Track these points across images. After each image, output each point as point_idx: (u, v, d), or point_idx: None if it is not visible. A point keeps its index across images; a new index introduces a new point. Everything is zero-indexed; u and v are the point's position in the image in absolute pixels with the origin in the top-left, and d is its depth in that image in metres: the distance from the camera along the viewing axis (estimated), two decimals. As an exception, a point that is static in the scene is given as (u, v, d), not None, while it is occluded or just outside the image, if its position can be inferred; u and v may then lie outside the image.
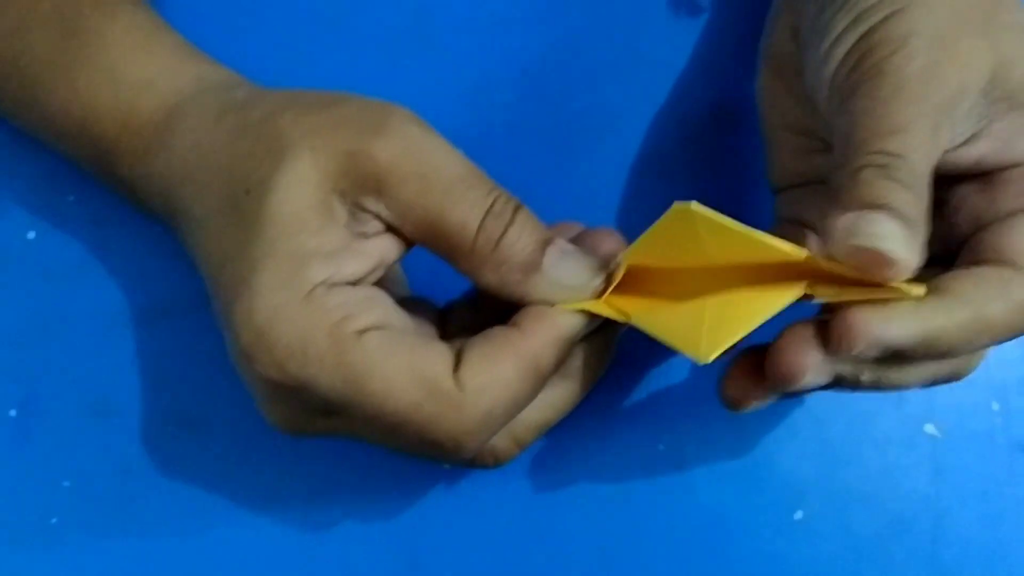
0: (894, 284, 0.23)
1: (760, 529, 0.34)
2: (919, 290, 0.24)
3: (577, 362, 0.28)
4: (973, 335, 0.24)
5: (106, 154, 0.30)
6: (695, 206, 0.23)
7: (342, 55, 0.37)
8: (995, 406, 0.35)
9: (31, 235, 0.35)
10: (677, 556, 0.34)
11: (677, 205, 0.24)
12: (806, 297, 0.24)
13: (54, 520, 0.33)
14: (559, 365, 0.26)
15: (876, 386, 0.27)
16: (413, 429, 0.24)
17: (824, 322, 0.24)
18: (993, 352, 0.35)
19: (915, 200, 0.23)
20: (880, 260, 0.22)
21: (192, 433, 0.34)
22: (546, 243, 0.26)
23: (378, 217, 0.26)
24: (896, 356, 0.24)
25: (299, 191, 0.25)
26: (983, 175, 0.27)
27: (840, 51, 0.26)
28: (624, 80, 0.37)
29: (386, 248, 0.27)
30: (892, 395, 0.35)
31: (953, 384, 0.34)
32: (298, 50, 0.37)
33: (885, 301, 0.23)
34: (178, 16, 0.33)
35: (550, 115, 0.36)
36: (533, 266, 0.26)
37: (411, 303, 0.29)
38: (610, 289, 0.27)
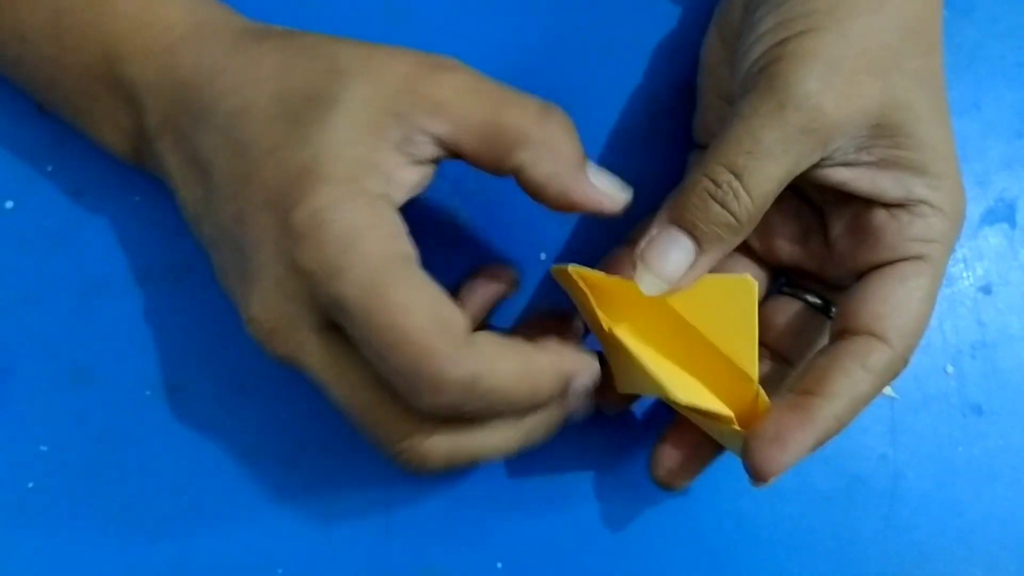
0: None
1: (722, 487, 0.35)
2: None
3: (532, 420, 0.29)
4: (852, 415, 0.28)
5: (113, 53, 0.29)
6: (572, 268, 0.29)
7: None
8: (949, 369, 0.36)
9: (9, 204, 0.35)
10: (645, 514, 0.35)
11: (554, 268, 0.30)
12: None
13: (31, 484, 0.34)
14: (549, 399, 0.27)
15: None
16: (409, 353, 0.24)
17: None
18: (947, 319, 0.36)
19: (728, 227, 0.27)
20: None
21: (170, 398, 0.34)
22: (584, 158, 0.28)
23: (433, 136, 0.27)
24: None
25: (362, 110, 0.26)
26: (851, 207, 0.29)
27: (757, 51, 0.28)
28: (593, 58, 0.37)
29: (422, 179, 0.28)
30: (851, 359, 0.36)
31: (909, 348, 0.35)
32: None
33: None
34: None
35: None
36: (583, 163, 0.28)
37: None
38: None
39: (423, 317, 0.24)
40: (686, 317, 0.28)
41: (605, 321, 0.29)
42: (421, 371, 0.24)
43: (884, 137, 0.27)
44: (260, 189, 0.26)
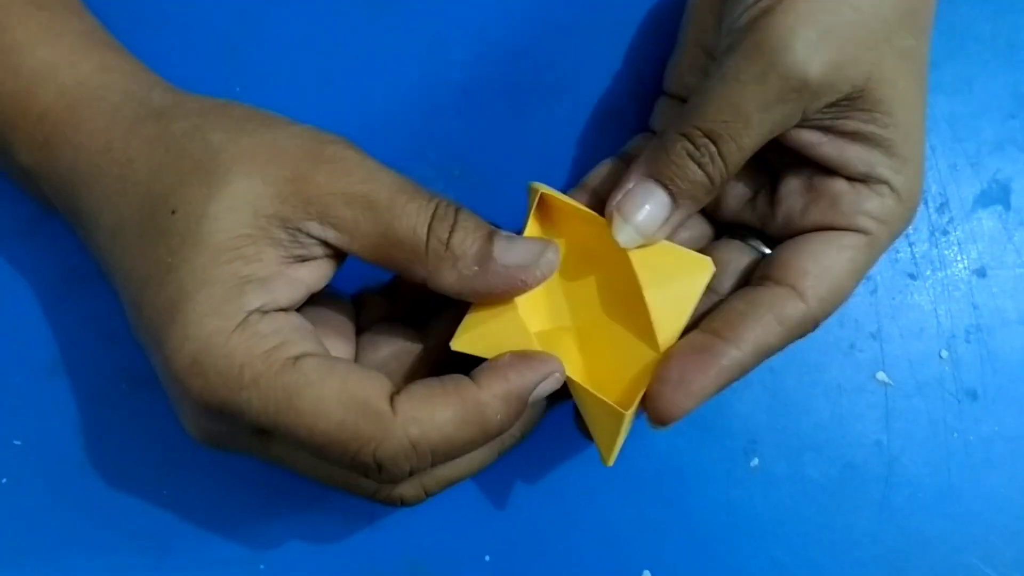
0: None
1: (717, 476, 0.34)
2: None
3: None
4: (755, 364, 0.28)
5: (5, 140, 0.29)
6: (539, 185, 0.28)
7: (296, 14, 0.37)
8: (944, 354, 0.35)
9: (-21, 194, 0.34)
10: (636, 504, 0.34)
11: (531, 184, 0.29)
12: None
13: (4, 480, 0.33)
14: (510, 422, 0.26)
15: None
16: (340, 448, 0.24)
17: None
18: (941, 303, 0.36)
19: (705, 183, 0.27)
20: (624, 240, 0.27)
21: (145, 391, 0.33)
22: (491, 235, 0.26)
23: (324, 242, 0.26)
24: None
25: (235, 218, 0.25)
26: (809, 169, 0.29)
27: (751, 8, 0.27)
28: (579, 38, 0.37)
29: (322, 272, 0.27)
30: (843, 344, 0.35)
31: (903, 332, 0.35)
32: (252, 9, 0.37)
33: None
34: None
35: (505, 73, 0.36)
36: (486, 256, 0.26)
37: (325, 298, 0.29)
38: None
39: (336, 413, 0.24)
40: (636, 269, 0.28)
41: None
42: (358, 459, 0.24)
43: (862, 110, 0.27)
44: (145, 329, 0.26)
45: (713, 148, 0.26)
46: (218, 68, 0.36)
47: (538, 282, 0.26)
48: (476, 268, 0.26)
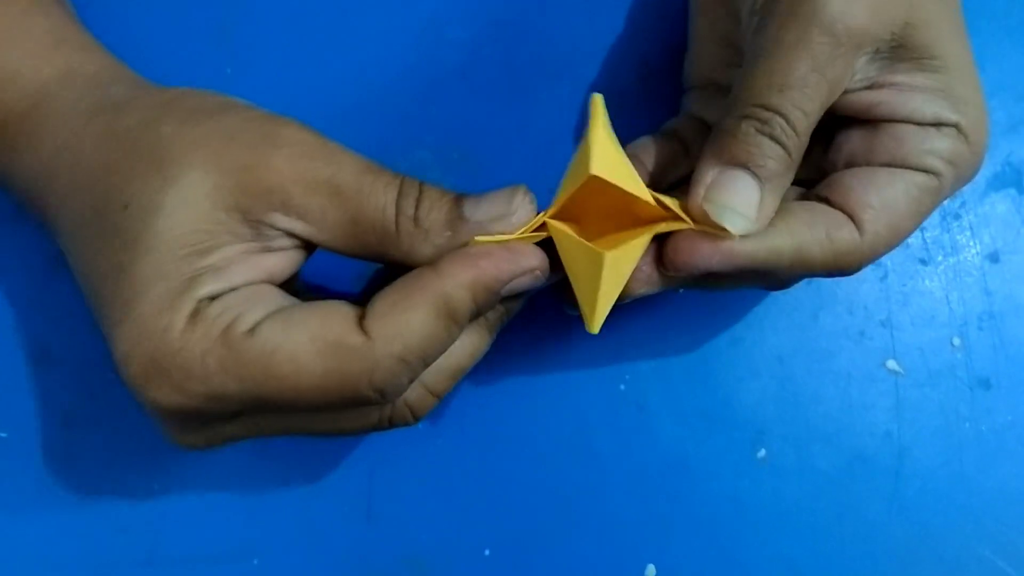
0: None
1: (723, 468, 0.33)
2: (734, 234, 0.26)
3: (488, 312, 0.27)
4: (788, 266, 0.26)
5: None
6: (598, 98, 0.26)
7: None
8: (956, 341, 0.35)
9: (-37, 178, 0.33)
10: (640, 497, 0.33)
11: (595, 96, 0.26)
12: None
13: (-9, 472, 0.32)
14: (482, 309, 0.25)
15: (701, 288, 0.29)
16: (336, 395, 0.23)
17: (667, 244, 0.26)
18: (953, 289, 0.35)
19: (784, 157, 0.25)
20: (723, 231, 0.25)
21: (136, 380, 0.33)
22: (458, 198, 0.25)
23: (291, 233, 0.25)
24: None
25: (189, 212, 0.24)
26: (871, 122, 0.27)
27: None
28: (580, 18, 0.36)
29: (287, 263, 0.26)
30: (853, 332, 0.34)
31: (914, 319, 0.34)
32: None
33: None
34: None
35: (505, 54, 0.36)
36: (457, 219, 0.25)
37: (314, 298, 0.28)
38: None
39: (316, 365, 0.23)
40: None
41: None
42: (358, 397, 0.23)
43: (907, 60, 0.26)
44: (102, 325, 0.25)
45: (780, 120, 0.25)
46: (209, 52, 0.35)
47: (516, 229, 0.25)
48: (448, 234, 0.25)
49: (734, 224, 0.25)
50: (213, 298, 0.24)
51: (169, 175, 0.24)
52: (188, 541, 0.32)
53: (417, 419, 0.27)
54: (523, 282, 0.25)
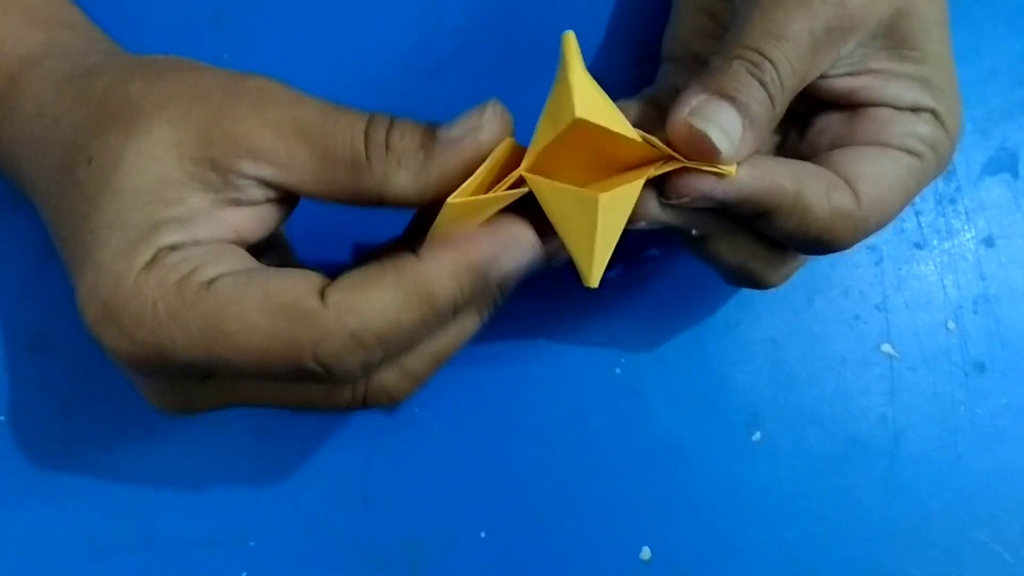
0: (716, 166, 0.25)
1: (717, 451, 0.33)
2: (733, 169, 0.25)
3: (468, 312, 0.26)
4: (788, 211, 0.25)
5: None
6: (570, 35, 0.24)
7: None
8: (951, 325, 0.35)
9: (-41, 163, 0.33)
10: (635, 480, 0.33)
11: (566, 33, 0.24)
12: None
13: (-12, 456, 0.32)
14: (471, 296, 0.24)
15: (699, 251, 0.28)
16: (280, 361, 0.22)
17: (666, 176, 0.25)
18: (948, 273, 0.35)
19: (768, 105, 0.25)
20: (706, 147, 0.24)
21: (133, 365, 0.33)
22: (431, 125, 0.24)
23: (261, 181, 0.24)
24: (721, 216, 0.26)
25: (154, 163, 0.23)
26: (851, 107, 0.28)
27: None
28: (578, 3, 0.36)
29: (260, 219, 0.25)
30: (848, 316, 0.34)
31: (909, 303, 0.34)
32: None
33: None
34: None
35: (502, 40, 0.36)
36: (430, 141, 0.24)
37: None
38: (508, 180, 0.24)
39: (265, 324, 0.22)
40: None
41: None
42: (301, 367, 0.22)
43: (890, 49, 0.26)
44: (73, 284, 0.24)
45: (770, 66, 0.25)
46: (206, 38, 0.35)
47: (492, 142, 0.24)
48: (422, 155, 0.24)
49: (720, 140, 0.24)
50: (174, 248, 0.23)
51: (134, 129, 0.24)
52: (184, 525, 0.32)
53: (395, 402, 0.26)
54: (516, 260, 0.24)
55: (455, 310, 0.24)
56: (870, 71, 0.27)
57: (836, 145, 0.28)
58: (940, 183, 0.35)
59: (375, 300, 0.22)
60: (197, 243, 0.24)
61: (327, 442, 0.33)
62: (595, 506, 0.33)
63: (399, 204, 0.24)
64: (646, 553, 0.33)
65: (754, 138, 0.25)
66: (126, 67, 0.26)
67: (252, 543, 0.32)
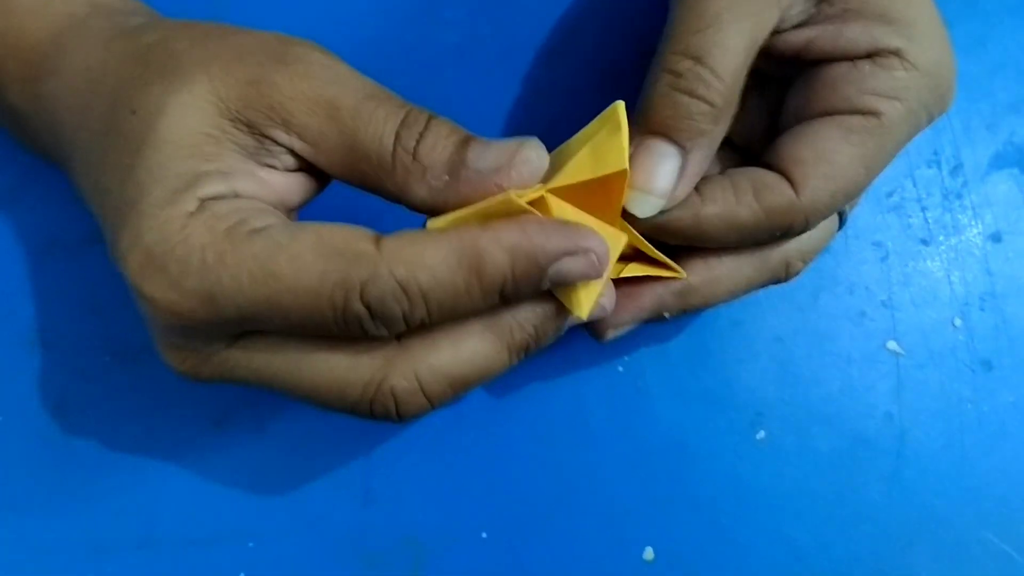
0: (668, 271, 0.27)
1: (722, 450, 0.33)
2: (683, 273, 0.27)
3: (511, 320, 0.25)
4: (724, 233, 0.26)
5: None
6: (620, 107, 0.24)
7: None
8: (957, 322, 0.34)
9: (-44, 161, 0.33)
10: (638, 479, 0.33)
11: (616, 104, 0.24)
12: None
13: (-15, 456, 0.32)
14: (518, 285, 0.23)
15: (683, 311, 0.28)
16: (327, 303, 0.22)
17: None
18: (954, 269, 0.34)
19: (705, 114, 0.24)
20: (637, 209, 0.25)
21: (129, 364, 0.32)
22: (467, 140, 0.24)
23: (291, 151, 0.24)
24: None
25: (195, 116, 0.23)
26: (810, 69, 0.26)
27: None
28: (580, -2, 0.36)
29: (295, 185, 0.25)
30: (853, 313, 0.34)
31: (915, 300, 0.34)
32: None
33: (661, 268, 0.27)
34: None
35: (502, 34, 0.35)
36: (458, 164, 0.23)
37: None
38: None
39: (316, 264, 0.22)
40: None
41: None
42: (348, 310, 0.22)
43: None
44: (109, 245, 0.24)
45: (698, 67, 0.24)
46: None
47: (516, 185, 0.23)
48: (447, 178, 0.23)
49: (641, 209, 0.25)
50: (218, 199, 0.23)
51: (176, 82, 0.24)
52: (183, 524, 0.32)
53: (399, 415, 0.25)
54: (574, 267, 0.23)
55: (502, 294, 0.23)
56: (824, 18, 0.25)
57: (796, 119, 0.27)
58: (947, 178, 0.35)
59: (427, 256, 0.22)
60: (239, 196, 0.24)
61: (327, 442, 0.33)
62: (597, 505, 0.33)
63: (415, 210, 0.24)
64: (649, 553, 0.32)
65: (702, 154, 0.25)
66: (171, 27, 0.26)
67: (251, 543, 0.32)
